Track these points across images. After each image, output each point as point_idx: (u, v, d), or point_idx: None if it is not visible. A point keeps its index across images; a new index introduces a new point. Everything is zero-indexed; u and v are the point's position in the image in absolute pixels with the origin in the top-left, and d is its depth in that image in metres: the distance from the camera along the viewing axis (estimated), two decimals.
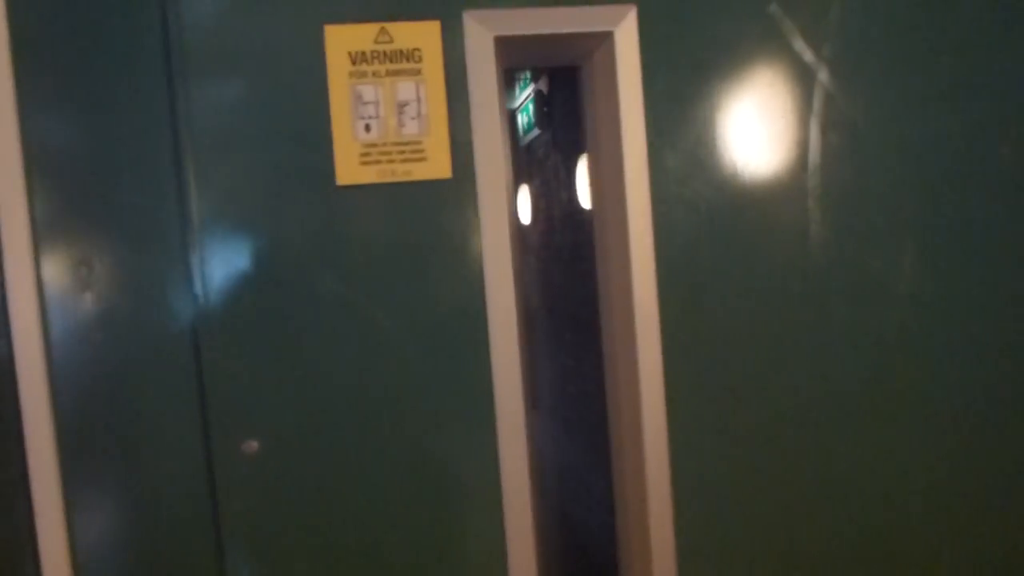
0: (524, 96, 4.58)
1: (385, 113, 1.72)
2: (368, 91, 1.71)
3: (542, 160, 4.19)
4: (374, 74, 1.71)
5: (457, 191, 1.76)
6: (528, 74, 4.32)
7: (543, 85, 3.84)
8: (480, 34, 1.73)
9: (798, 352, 1.91)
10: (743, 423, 1.90)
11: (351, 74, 1.70)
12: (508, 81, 4.51)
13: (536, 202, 4.54)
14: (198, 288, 1.67)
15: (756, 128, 1.87)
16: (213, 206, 1.67)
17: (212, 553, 1.71)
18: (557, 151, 3.70)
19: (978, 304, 1.96)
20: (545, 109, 3.93)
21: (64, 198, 1.63)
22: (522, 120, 4.66)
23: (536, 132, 4.14)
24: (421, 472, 1.77)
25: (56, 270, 1.63)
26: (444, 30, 1.73)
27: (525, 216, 4.70)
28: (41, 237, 1.61)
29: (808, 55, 1.87)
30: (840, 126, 1.89)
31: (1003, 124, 1.94)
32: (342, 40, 1.70)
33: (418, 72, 1.73)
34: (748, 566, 1.92)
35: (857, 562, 1.96)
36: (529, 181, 4.58)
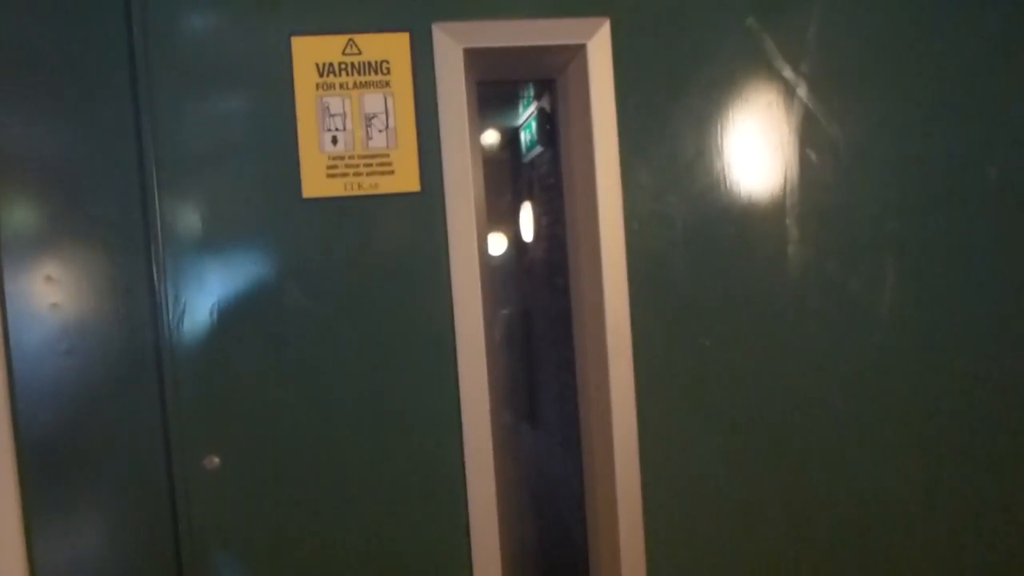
0: (527, 114, 4.57)
1: (352, 125, 1.71)
2: (335, 103, 1.70)
3: (544, 177, 4.18)
4: (341, 86, 1.70)
5: (425, 205, 1.74)
6: (531, 92, 4.29)
7: (546, 103, 3.83)
8: (449, 46, 1.71)
9: (774, 372, 1.86)
10: (716, 443, 1.85)
11: (318, 86, 1.70)
12: (511, 99, 4.51)
13: (538, 219, 4.53)
14: (162, 301, 1.66)
15: (733, 144, 1.83)
16: (179, 218, 1.67)
17: (172, 568, 1.69)
18: (559, 168, 3.68)
19: (960, 326, 1.90)
20: (548, 127, 3.92)
21: (28, 210, 1.62)
22: (525, 138, 4.64)
23: (539, 149, 4.14)
24: (387, 487, 1.74)
25: (20, 283, 1.62)
26: (413, 42, 1.72)
27: (527, 233, 4.69)
28: (5, 249, 1.61)
29: (787, 71, 1.84)
30: (819, 143, 1.85)
31: (990, 144, 1.89)
32: (310, 52, 1.69)
33: (386, 84, 1.72)
34: None
35: None
36: (531, 198, 4.57)
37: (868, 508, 1.91)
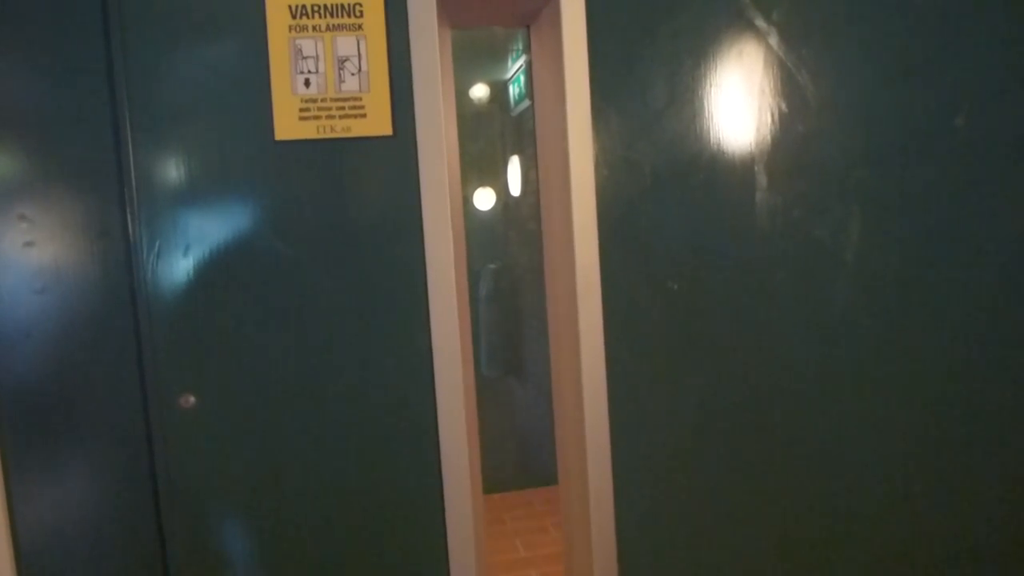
0: (515, 67, 4.55)
1: (325, 68, 1.72)
2: (308, 45, 1.71)
3: (532, 131, 4.18)
4: (314, 28, 1.71)
5: (398, 148, 1.75)
6: (520, 46, 4.28)
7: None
8: None
9: (740, 316, 1.89)
10: (683, 384, 1.89)
11: (291, 28, 1.70)
12: (500, 53, 4.48)
13: (526, 172, 4.52)
14: (137, 242, 1.67)
15: (704, 92, 1.84)
16: (153, 160, 1.68)
17: (150, 507, 1.73)
18: None
19: (923, 274, 1.93)
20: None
21: (1, 149, 1.64)
22: (514, 91, 4.63)
23: (527, 103, 4.14)
24: (357, 427, 1.78)
25: None
26: None
27: (515, 188, 4.67)
28: None
29: (759, 20, 1.84)
30: (790, 93, 1.87)
31: (958, 96, 1.90)
32: None
33: (359, 27, 1.72)
34: (684, 515, 1.93)
35: (805, 538, 1.96)
36: (520, 152, 4.56)
37: (829, 443, 1.95)
